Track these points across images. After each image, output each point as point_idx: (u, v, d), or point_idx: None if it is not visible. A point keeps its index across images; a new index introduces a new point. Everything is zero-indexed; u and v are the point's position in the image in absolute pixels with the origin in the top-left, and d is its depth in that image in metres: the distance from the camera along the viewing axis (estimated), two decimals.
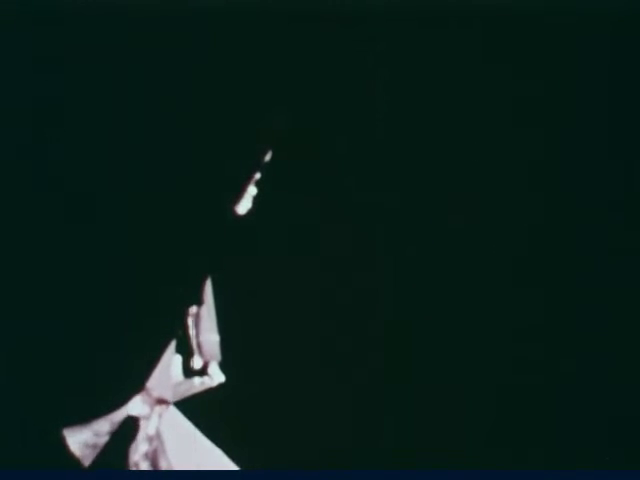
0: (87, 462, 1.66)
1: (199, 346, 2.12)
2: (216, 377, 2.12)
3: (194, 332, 2.13)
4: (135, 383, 1.73)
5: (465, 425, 1.75)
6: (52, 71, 1.63)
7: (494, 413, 1.74)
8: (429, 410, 1.77)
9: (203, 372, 2.13)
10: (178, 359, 1.86)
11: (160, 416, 1.82)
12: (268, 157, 1.80)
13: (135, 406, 1.75)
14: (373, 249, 1.83)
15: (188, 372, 2.08)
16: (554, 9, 1.61)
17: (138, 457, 1.76)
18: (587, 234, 1.69)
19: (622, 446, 1.59)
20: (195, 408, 2.00)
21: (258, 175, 1.78)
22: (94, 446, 1.67)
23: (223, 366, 2.12)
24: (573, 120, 1.67)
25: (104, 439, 1.68)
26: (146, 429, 1.79)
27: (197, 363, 2.14)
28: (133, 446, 1.75)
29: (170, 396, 1.84)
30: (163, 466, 1.79)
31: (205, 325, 2.11)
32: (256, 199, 1.76)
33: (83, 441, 1.67)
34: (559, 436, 1.67)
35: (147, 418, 1.79)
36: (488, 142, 1.73)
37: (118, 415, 1.70)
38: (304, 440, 1.89)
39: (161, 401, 1.84)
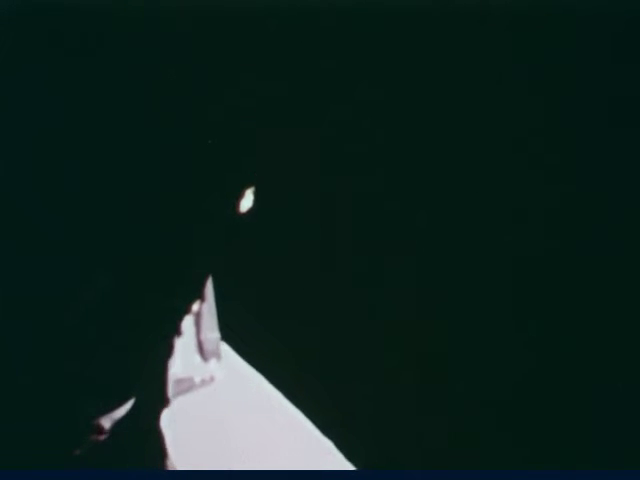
0: (88, 461, 1.67)
1: (200, 344, 2.13)
2: (217, 375, 2.13)
3: (195, 330, 2.14)
4: (135, 382, 1.74)
5: (465, 425, 1.76)
6: (51, 70, 1.63)
7: (493, 412, 1.75)
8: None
9: (203, 370, 2.14)
10: (179, 357, 1.87)
11: (160, 413, 1.83)
12: (268, 157, 1.80)
13: (136, 404, 1.76)
14: (374, 250, 1.83)
15: (189, 370, 2.09)
16: (552, 8, 1.61)
17: (139, 455, 1.77)
18: (586, 234, 1.69)
19: (622, 446, 1.59)
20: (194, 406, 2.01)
21: (258, 175, 1.79)
22: (95, 446, 1.68)
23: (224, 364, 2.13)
24: (572, 119, 1.67)
25: (106, 438, 1.69)
26: (148, 427, 1.80)
27: (198, 360, 2.15)
28: (133, 445, 1.75)
29: (170, 394, 1.85)
30: (166, 465, 1.80)
31: (206, 323, 2.12)
32: (256, 199, 1.76)
33: (84, 440, 1.68)
34: (560, 436, 1.68)
35: (149, 416, 1.80)
36: (486, 142, 1.73)
37: (118, 414, 1.71)
38: (302, 441, 1.90)
39: (162, 399, 1.84)
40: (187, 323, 1.94)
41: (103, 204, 1.65)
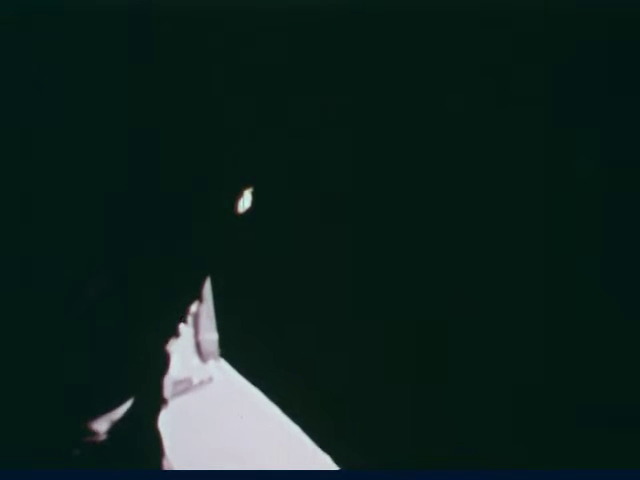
0: (86, 461, 1.66)
1: (198, 345, 2.13)
2: (215, 376, 2.13)
3: (193, 331, 2.14)
4: (134, 382, 1.73)
5: (464, 425, 1.76)
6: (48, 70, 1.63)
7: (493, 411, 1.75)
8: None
9: (202, 371, 2.13)
10: (177, 358, 1.86)
11: (158, 414, 1.82)
12: (267, 157, 1.80)
13: (134, 405, 1.75)
14: (374, 249, 1.83)
15: (187, 371, 2.09)
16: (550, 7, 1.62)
17: (137, 455, 1.77)
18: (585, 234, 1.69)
19: (622, 446, 1.59)
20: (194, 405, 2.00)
21: (257, 175, 1.79)
22: (93, 446, 1.67)
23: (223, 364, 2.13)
24: (572, 119, 1.67)
25: (104, 439, 1.68)
26: (146, 427, 1.79)
27: (196, 362, 2.14)
28: (131, 445, 1.75)
29: (169, 395, 1.85)
30: (164, 465, 1.79)
31: (204, 324, 2.11)
32: (255, 199, 1.76)
33: (83, 440, 1.67)
34: (560, 436, 1.68)
35: (146, 416, 1.80)
36: (486, 142, 1.74)
37: (116, 415, 1.70)
38: (300, 441, 1.90)
39: (160, 400, 1.84)
40: (186, 324, 1.94)
41: (102, 204, 1.65)
